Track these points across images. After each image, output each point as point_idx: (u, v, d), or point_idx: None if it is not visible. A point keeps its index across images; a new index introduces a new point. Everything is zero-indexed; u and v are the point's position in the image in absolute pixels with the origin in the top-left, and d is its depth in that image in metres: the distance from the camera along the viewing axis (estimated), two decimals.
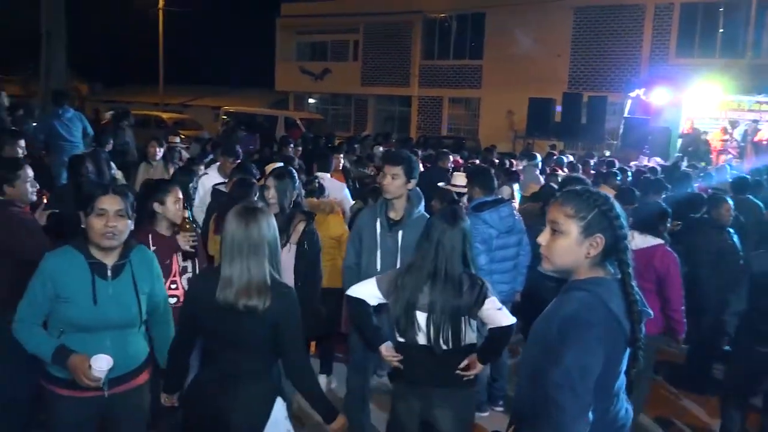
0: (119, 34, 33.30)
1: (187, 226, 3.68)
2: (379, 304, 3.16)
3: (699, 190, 6.90)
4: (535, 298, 4.21)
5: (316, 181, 5.07)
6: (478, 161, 9.70)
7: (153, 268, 2.86)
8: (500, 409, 4.70)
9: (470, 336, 3.04)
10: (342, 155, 7.98)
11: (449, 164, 8.21)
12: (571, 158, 11.26)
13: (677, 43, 20.46)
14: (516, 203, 6.32)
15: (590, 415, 1.80)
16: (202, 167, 6.81)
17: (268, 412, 2.65)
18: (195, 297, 2.71)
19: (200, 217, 5.08)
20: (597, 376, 1.79)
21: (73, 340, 2.60)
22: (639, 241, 4.19)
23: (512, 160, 9.85)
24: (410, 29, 25.50)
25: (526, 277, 4.70)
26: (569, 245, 1.88)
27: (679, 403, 5.19)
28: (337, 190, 5.98)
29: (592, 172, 9.68)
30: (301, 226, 3.77)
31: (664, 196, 6.08)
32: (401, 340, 3.05)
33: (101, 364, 2.49)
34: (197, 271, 3.67)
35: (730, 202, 5.23)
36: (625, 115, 16.87)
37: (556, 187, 5.80)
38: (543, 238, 1.95)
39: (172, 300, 3.32)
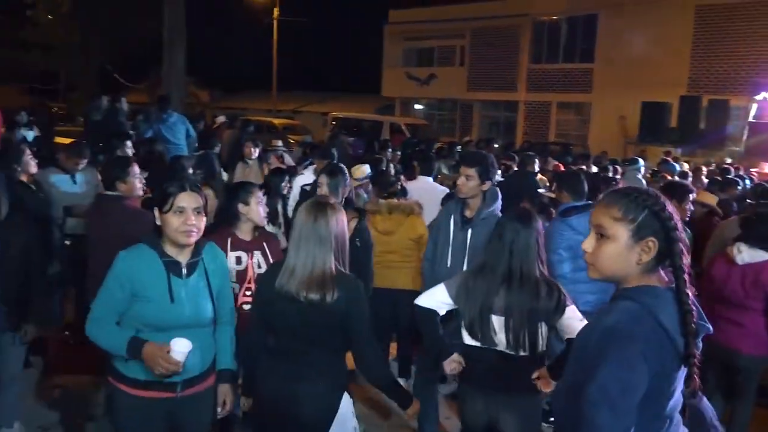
0: (237, 44, 35.26)
1: None
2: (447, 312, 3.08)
3: None
4: None
5: (399, 183, 5.08)
6: (584, 167, 9.36)
7: (224, 266, 2.82)
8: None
9: (543, 343, 2.90)
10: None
11: (536, 167, 7.94)
12: (686, 166, 10.64)
13: None
14: None
15: None
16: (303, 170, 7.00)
17: (336, 407, 2.65)
18: (261, 289, 2.76)
19: None
20: (642, 396, 1.60)
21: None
22: (747, 255, 3.86)
23: (616, 166, 9.57)
24: (518, 33, 24.96)
25: None
26: (618, 251, 1.69)
27: None
28: (431, 191, 5.89)
29: (705, 180, 9.07)
30: (353, 223, 3.79)
31: None
32: (472, 343, 2.95)
33: (181, 346, 2.43)
34: None
35: None
36: (750, 119, 15.86)
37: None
38: (588, 244, 1.75)
39: (246, 307, 3.22)
